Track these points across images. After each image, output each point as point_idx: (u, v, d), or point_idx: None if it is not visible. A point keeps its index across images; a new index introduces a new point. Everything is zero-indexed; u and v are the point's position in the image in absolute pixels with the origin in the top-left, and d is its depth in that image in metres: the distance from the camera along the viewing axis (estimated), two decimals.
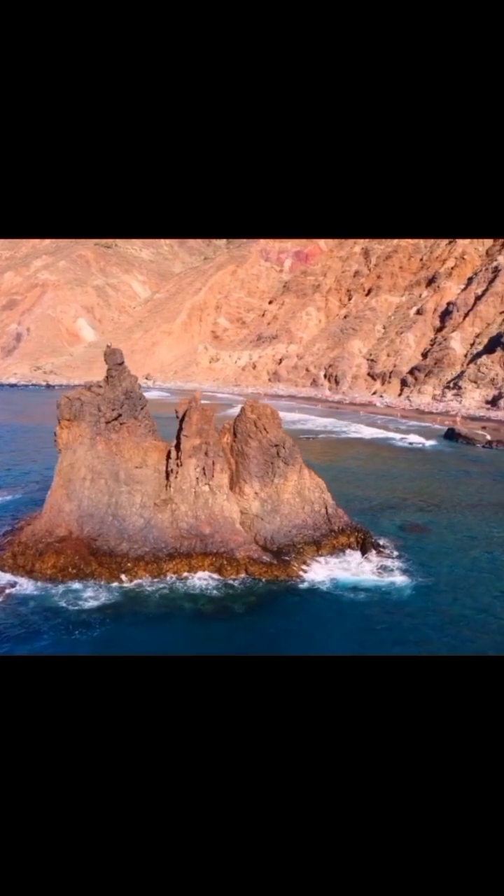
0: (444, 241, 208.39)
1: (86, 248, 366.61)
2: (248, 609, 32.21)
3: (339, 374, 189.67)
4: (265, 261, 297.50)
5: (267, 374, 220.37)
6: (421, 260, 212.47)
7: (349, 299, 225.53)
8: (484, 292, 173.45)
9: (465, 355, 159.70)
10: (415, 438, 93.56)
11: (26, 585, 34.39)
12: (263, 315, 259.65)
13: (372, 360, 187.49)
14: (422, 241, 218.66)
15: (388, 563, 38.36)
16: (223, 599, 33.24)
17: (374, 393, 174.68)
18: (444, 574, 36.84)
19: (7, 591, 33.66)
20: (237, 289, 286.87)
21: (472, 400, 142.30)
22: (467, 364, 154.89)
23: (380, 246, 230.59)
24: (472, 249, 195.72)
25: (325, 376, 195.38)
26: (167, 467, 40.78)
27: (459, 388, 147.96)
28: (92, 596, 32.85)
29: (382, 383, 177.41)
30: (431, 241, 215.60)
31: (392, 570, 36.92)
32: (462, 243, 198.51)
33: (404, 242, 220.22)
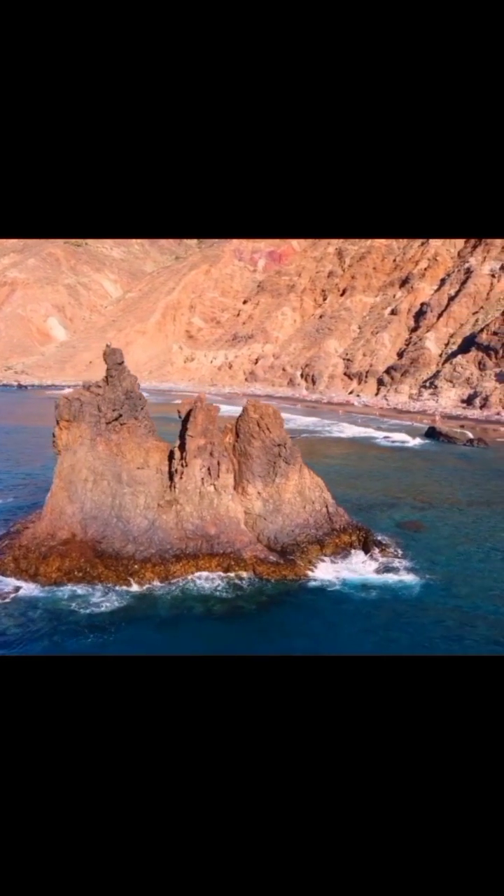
0: (417, 243, 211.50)
1: (55, 246, 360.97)
2: (260, 610, 32.12)
3: (316, 374, 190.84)
4: (238, 260, 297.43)
5: (243, 374, 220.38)
6: (394, 261, 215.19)
7: (324, 299, 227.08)
8: (457, 293, 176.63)
9: (440, 355, 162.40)
10: (399, 437, 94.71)
11: (32, 590, 33.64)
12: (238, 315, 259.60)
13: (348, 360, 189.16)
14: (395, 242, 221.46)
15: (393, 561, 38.69)
16: (235, 600, 33.08)
17: (352, 392, 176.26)
18: (450, 571, 37.34)
19: (13, 596, 32.88)
20: (211, 288, 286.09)
21: (449, 399, 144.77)
22: (442, 364, 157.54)
23: (353, 246, 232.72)
24: (445, 251, 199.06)
25: (301, 376, 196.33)
26: (170, 468, 40.39)
27: (436, 387, 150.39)
28: (103, 599, 32.32)
29: (359, 383, 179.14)
30: (404, 242, 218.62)
31: (398, 569, 37.25)
32: (434, 244, 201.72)
33: (377, 243, 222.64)
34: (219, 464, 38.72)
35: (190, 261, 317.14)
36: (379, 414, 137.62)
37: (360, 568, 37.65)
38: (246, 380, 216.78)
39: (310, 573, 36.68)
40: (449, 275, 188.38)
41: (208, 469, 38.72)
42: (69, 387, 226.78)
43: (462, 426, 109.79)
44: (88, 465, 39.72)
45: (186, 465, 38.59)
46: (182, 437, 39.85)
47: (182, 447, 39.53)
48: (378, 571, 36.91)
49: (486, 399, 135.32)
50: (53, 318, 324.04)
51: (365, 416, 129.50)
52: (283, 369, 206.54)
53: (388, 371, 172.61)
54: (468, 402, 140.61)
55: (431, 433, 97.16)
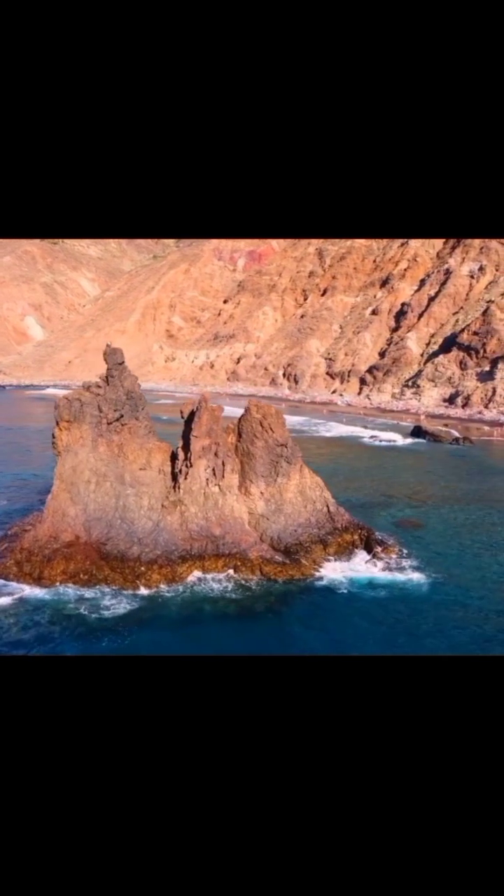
0: (397, 243, 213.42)
1: (31, 243, 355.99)
2: (272, 610, 32.06)
3: (298, 374, 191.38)
4: (218, 260, 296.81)
5: (225, 374, 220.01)
6: (374, 261, 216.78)
7: (305, 299, 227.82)
8: (437, 293, 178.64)
9: (422, 355, 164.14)
10: (387, 436, 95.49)
11: (38, 593, 33.10)
12: (219, 314, 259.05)
13: (330, 360, 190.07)
14: (374, 243, 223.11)
15: (397, 560, 38.93)
16: (244, 601, 32.97)
17: (334, 392, 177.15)
18: (454, 568, 37.73)
19: (20, 600, 32.30)
20: (191, 288, 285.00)
21: (431, 398, 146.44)
22: (424, 363, 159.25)
23: (333, 247, 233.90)
24: (424, 251, 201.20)
25: (284, 375, 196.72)
26: (173, 468, 40.10)
27: (418, 386, 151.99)
28: (113, 602, 31.94)
29: (341, 382, 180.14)
30: (384, 242, 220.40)
31: (404, 568, 37.51)
32: (414, 245, 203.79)
33: (357, 243, 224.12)
34: (223, 464, 38.56)
35: (169, 260, 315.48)
36: (363, 413, 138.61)
37: (365, 567, 37.82)
38: (228, 379, 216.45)
39: (316, 573, 36.74)
40: (428, 275, 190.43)
41: (213, 470, 38.53)
42: (49, 386, 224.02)
43: (446, 425, 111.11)
44: (90, 466, 39.21)
45: (191, 466, 38.33)
46: (186, 437, 39.59)
47: (186, 448, 39.26)
48: (384, 570, 37.13)
49: (467, 398, 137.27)
50: (30, 316, 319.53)
51: (350, 416, 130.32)
52: (266, 369, 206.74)
53: (370, 370, 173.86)
54: (450, 401, 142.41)
55: (418, 432, 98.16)
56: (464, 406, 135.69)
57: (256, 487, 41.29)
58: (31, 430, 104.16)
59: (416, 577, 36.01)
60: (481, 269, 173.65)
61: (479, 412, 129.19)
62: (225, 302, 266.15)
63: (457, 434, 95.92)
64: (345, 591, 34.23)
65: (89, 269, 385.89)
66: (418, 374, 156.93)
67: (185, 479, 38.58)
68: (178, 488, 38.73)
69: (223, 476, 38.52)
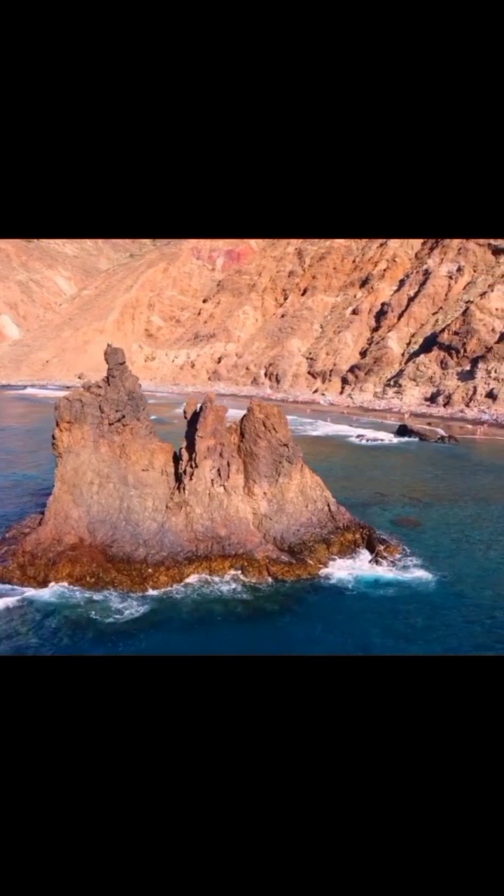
0: (376, 244, 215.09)
1: (5, 241, 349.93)
2: (283, 611, 32.02)
3: (280, 373, 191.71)
4: (197, 259, 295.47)
5: (206, 373, 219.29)
6: (353, 261, 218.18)
7: (285, 299, 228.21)
8: (416, 294, 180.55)
9: (403, 354, 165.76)
10: (374, 435, 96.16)
11: (45, 597, 32.55)
12: (199, 314, 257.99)
13: (311, 359, 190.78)
14: (353, 243, 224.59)
15: (400, 558, 39.21)
16: (255, 602, 32.88)
17: (316, 391, 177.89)
18: (458, 566, 38.14)
19: (27, 604, 31.71)
20: (169, 287, 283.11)
21: (413, 397, 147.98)
22: (405, 363, 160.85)
23: (312, 247, 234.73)
24: (403, 252, 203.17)
25: (265, 375, 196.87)
26: (177, 469, 39.81)
27: (400, 385, 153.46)
28: (124, 605, 31.56)
29: (323, 381, 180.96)
30: (363, 242, 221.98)
31: (408, 566, 37.80)
32: (393, 245, 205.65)
33: (337, 243, 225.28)
34: (229, 464, 38.39)
35: (147, 259, 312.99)
36: (346, 412, 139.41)
37: (369, 566, 38.01)
38: (209, 379, 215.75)
39: (323, 572, 36.82)
40: (408, 276, 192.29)
41: (218, 470, 38.34)
42: (28, 386, 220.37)
43: (430, 423, 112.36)
44: (93, 467, 38.72)
45: (196, 467, 38.08)
46: (190, 437, 39.33)
47: (190, 448, 39.00)
48: (389, 569, 37.36)
49: (449, 397, 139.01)
50: (6, 315, 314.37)
51: (334, 415, 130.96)
52: (247, 368, 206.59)
53: (351, 370, 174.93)
54: (432, 400, 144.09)
55: (404, 430, 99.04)
56: (445, 405, 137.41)
57: (260, 487, 41.21)
58: (14, 431, 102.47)
59: (422, 575, 36.32)
60: (459, 269, 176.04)
61: (461, 411, 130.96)
62: (204, 301, 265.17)
63: (442, 432, 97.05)
64: (354, 590, 34.36)
65: (65, 267, 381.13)
66: (400, 373, 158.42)
67: (191, 479, 38.32)
68: (184, 489, 38.45)
69: (228, 476, 38.36)
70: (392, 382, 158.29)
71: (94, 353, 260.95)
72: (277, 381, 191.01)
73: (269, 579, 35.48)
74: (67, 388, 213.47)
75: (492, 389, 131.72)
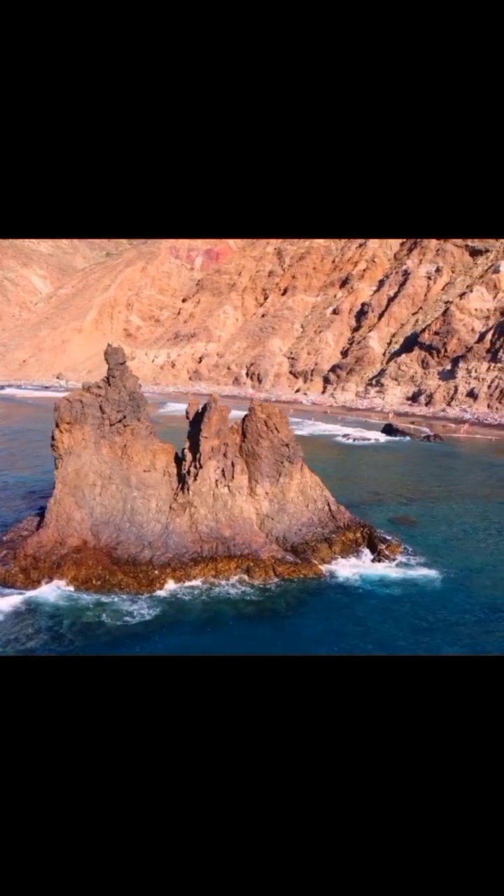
0: (355, 244, 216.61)
1: None
2: (291, 610, 32.02)
3: (262, 373, 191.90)
4: (175, 258, 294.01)
5: (187, 373, 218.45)
6: (333, 262, 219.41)
7: (265, 298, 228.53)
8: (396, 294, 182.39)
9: (384, 354, 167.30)
10: (363, 434, 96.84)
11: (52, 600, 32.03)
12: (179, 313, 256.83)
13: (293, 359, 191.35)
14: (332, 243, 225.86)
15: (402, 557, 39.53)
16: (264, 602, 32.82)
17: (298, 391, 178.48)
18: (460, 563, 38.58)
19: (34, 608, 31.15)
20: (148, 286, 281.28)
21: (395, 396, 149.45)
22: (387, 362, 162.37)
23: (292, 246, 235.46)
24: (382, 253, 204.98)
25: (247, 374, 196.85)
26: (180, 470, 39.53)
27: (382, 385, 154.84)
28: (133, 608, 31.22)
29: (305, 381, 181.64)
30: (342, 242, 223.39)
31: (411, 564, 38.12)
32: (372, 245, 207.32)
33: (316, 243, 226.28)
34: (233, 465, 38.26)
35: (125, 257, 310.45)
36: (330, 412, 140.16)
37: (373, 564, 38.24)
38: (190, 379, 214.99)
39: (328, 572, 36.92)
40: (387, 276, 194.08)
41: (222, 471, 38.18)
42: (5, 387, 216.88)
43: (413, 423, 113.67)
44: (95, 468, 38.24)
45: (201, 467, 37.86)
46: (193, 438, 39.09)
47: (193, 449, 38.76)
48: (392, 568, 37.63)
49: (430, 396, 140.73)
50: None
51: (318, 414, 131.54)
52: (228, 368, 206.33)
53: (333, 369, 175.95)
54: (413, 399, 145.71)
55: (389, 429, 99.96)
56: (427, 404, 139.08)
57: (262, 488, 41.17)
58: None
59: (426, 573, 36.66)
60: (438, 270, 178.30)
61: (443, 410, 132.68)
62: (184, 301, 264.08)
63: (428, 431, 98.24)
64: (361, 589, 34.52)
65: (40, 265, 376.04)
66: (381, 372, 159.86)
67: (194, 480, 38.09)
68: (188, 490, 38.20)
69: (233, 477, 38.22)
70: (374, 382, 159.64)
71: (72, 352, 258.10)
72: (259, 381, 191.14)
73: (276, 579, 35.45)
74: (46, 387, 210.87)
75: (473, 389, 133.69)
